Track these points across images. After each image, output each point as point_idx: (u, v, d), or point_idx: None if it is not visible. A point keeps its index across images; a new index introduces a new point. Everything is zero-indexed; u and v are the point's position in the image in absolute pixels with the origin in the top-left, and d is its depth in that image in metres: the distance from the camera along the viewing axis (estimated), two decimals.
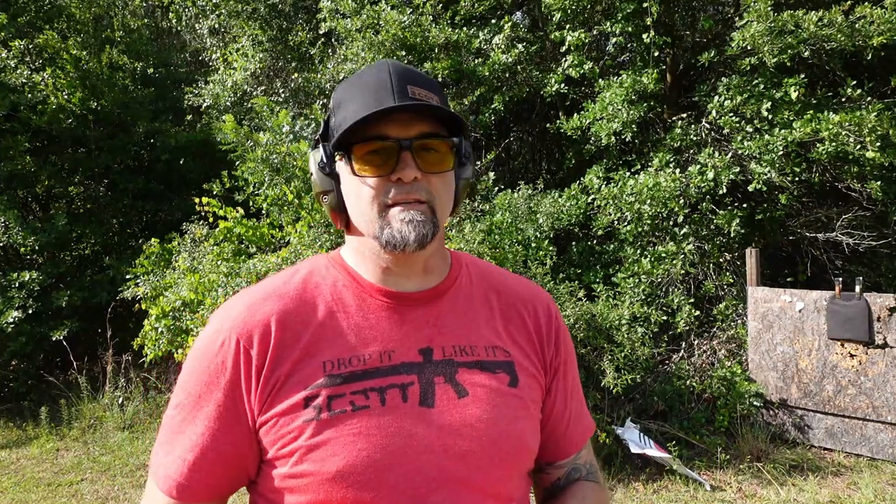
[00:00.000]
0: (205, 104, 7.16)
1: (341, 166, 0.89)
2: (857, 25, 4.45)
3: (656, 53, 5.37)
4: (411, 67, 0.88)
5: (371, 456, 0.79)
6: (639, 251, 5.26)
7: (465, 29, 5.96)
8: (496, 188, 5.83)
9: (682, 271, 5.04)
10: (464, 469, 0.83)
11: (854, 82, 4.68)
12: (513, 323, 0.97)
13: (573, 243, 5.73)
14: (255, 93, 6.79)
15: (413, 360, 0.86)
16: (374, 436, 0.80)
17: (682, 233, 5.14)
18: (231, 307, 0.88)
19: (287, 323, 0.85)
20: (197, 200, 5.60)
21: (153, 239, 5.81)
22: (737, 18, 5.07)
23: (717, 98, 5.04)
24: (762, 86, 4.85)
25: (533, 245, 5.12)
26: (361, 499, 0.79)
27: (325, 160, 0.90)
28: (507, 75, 6.00)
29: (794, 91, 4.67)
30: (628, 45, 5.93)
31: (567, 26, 5.64)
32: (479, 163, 6.42)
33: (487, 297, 0.97)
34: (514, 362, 0.92)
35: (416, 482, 0.80)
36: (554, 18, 5.65)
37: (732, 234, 4.98)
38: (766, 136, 4.75)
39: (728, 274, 5.18)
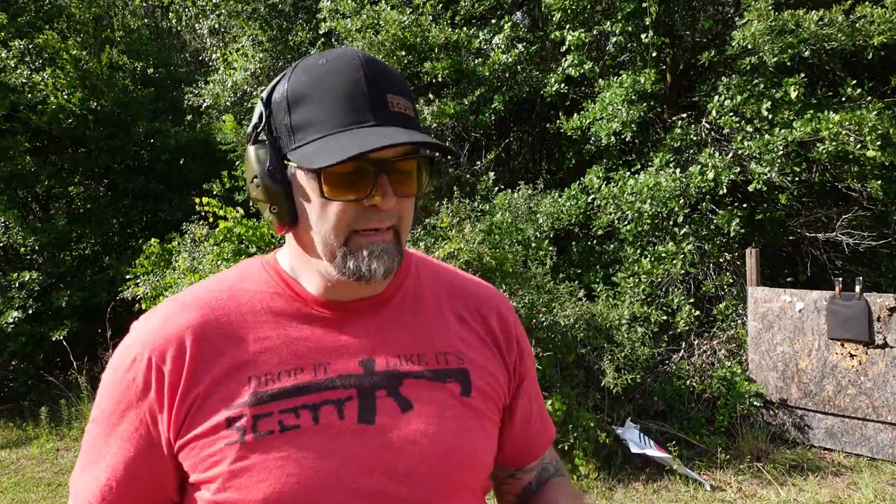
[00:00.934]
0: (205, 104, 7.16)
1: (301, 176, 0.76)
2: (857, 25, 4.45)
3: (654, 53, 5.37)
4: (381, 64, 0.78)
5: (301, 482, 0.73)
6: (639, 251, 5.26)
7: (465, 29, 5.96)
8: (496, 188, 5.83)
9: (682, 271, 5.04)
10: (406, 490, 0.76)
11: (854, 82, 4.67)
12: (468, 326, 0.89)
13: (573, 243, 5.74)
14: (255, 93, 6.79)
15: (352, 371, 0.79)
16: (306, 459, 0.73)
17: (682, 233, 5.14)
18: (146, 319, 0.81)
19: (206, 335, 0.77)
20: (197, 200, 5.59)
21: (153, 239, 5.80)
22: (737, 18, 5.07)
23: (717, 98, 5.04)
24: (762, 85, 4.85)
25: (533, 245, 5.12)
26: None
27: (274, 163, 0.76)
28: (507, 75, 6.00)
29: (794, 91, 4.66)
30: (628, 45, 5.93)
31: (567, 26, 5.64)
32: (479, 163, 6.43)
33: (439, 300, 0.90)
34: (468, 370, 0.85)
35: None
36: (554, 18, 5.65)
37: (732, 234, 4.98)
38: (767, 136, 4.75)
39: (728, 274, 5.18)
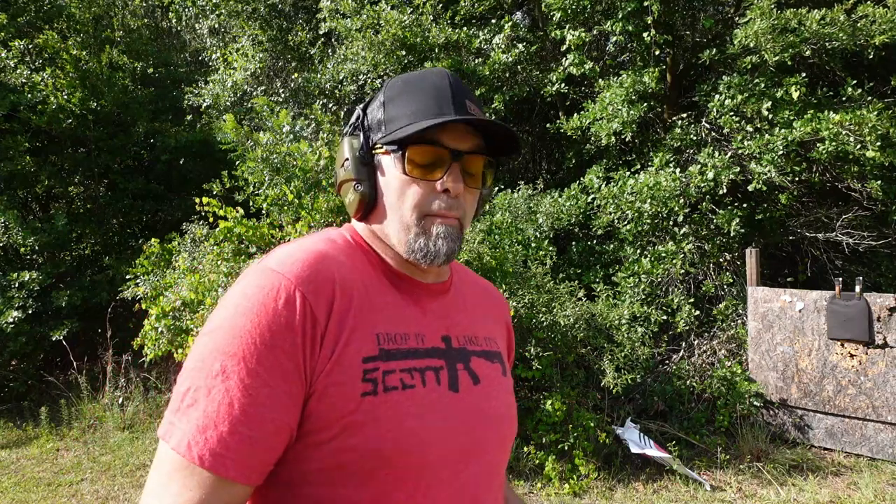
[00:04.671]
0: (205, 104, 7.15)
1: (386, 161, 0.89)
2: (858, 24, 4.45)
3: (657, 52, 5.36)
4: (465, 85, 0.92)
5: (417, 434, 0.81)
6: (639, 251, 5.26)
7: (465, 29, 5.96)
8: (496, 188, 5.83)
9: (682, 271, 5.03)
10: (481, 450, 0.89)
11: (854, 82, 4.67)
12: (491, 318, 1.05)
13: (573, 243, 5.73)
14: (255, 93, 6.79)
15: (438, 346, 0.90)
16: (420, 415, 0.82)
17: (681, 232, 5.14)
18: (287, 262, 0.81)
19: (345, 288, 0.82)
20: (197, 200, 5.60)
21: (153, 239, 5.80)
22: (737, 17, 5.07)
23: (717, 97, 5.04)
24: (763, 85, 4.85)
25: (533, 245, 5.12)
26: (406, 475, 0.81)
27: (364, 149, 0.91)
28: (507, 75, 6.00)
29: (795, 90, 4.66)
30: (628, 45, 5.93)
31: (567, 26, 5.64)
32: None
33: (474, 292, 1.05)
34: (501, 353, 1.01)
35: (449, 462, 0.84)
36: (554, 18, 5.65)
37: (732, 234, 4.97)
38: (767, 136, 4.75)
39: (728, 274, 5.18)
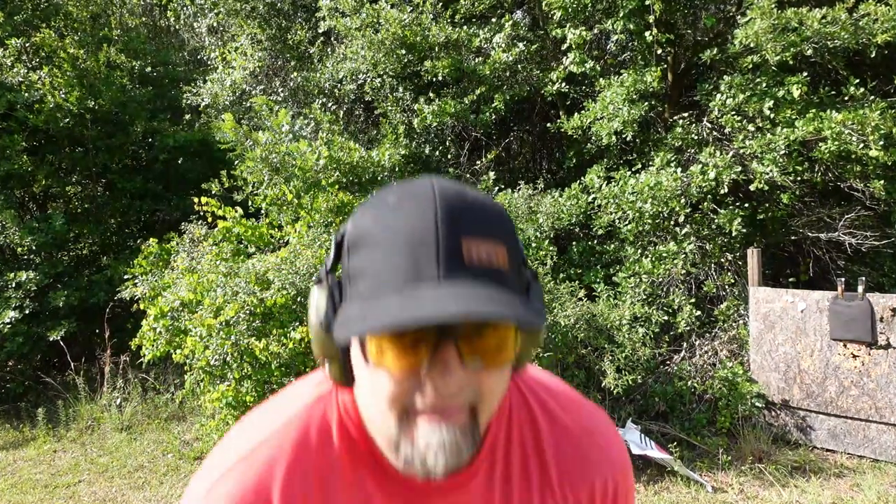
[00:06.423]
0: (203, 103, 7.12)
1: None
2: (860, 23, 4.43)
3: (659, 51, 5.34)
4: (466, 195, 0.60)
5: None
6: (640, 251, 5.23)
7: (465, 27, 5.93)
8: (496, 188, 5.80)
9: (683, 271, 5.01)
10: None
11: (857, 81, 4.65)
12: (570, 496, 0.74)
13: (574, 243, 5.71)
14: (254, 92, 6.76)
15: None
16: None
17: (683, 232, 5.11)
18: (219, 476, 0.68)
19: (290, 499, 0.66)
20: (195, 200, 5.57)
21: (151, 239, 5.77)
22: (739, 16, 5.04)
23: (718, 96, 5.01)
24: (764, 84, 4.82)
25: (533, 245, 5.09)
26: None
27: (330, 314, 0.63)
28: (507, 74, 5.97)
29: (797, 89, 4.64)
30: (629, 44, 5.90)
31: (568, 24, 5.62)
32: (479, 162, 6.40)
33: (527, 469, 0.73)
34: None
35: None
36: (555, 17, 5.62)
37: (734, 234, 4.95)
38: (769, 135, 4.72)
39: (729, 274, 5.15)
